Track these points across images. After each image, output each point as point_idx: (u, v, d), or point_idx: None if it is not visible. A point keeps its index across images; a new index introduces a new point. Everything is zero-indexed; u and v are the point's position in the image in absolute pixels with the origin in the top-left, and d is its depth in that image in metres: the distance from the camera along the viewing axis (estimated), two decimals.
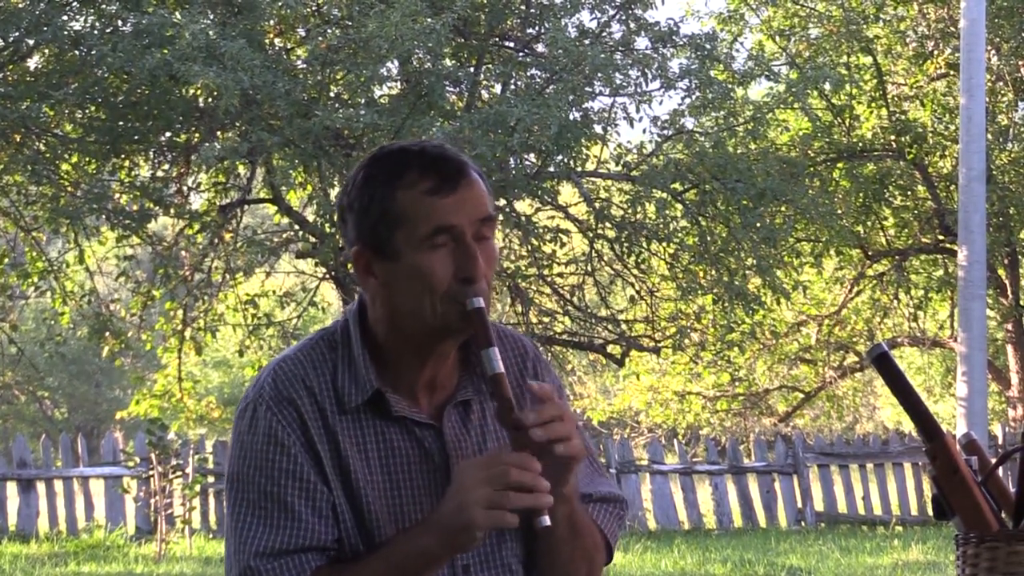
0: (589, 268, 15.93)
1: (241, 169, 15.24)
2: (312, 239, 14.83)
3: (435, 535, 2.15)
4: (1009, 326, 19.16)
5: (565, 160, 14.38)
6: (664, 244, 15.35)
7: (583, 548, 2.33)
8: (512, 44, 15.78)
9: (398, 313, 2.24)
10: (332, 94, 14.24)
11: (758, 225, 14.89)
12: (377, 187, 2.24)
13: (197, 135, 14.39)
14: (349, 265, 14.67)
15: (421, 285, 2.20)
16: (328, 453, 2.22)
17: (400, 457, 2.25)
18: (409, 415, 2.26)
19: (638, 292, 16.27)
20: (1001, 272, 18.85)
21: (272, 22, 14.68)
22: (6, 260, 15.20)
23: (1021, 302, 18.89)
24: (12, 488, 14.74)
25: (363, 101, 13.95)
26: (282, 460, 2.20)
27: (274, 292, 15.69)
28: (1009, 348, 19.34)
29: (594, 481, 2.40)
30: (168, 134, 14.75)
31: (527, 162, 14.61)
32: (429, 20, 13.10)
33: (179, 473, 13.95)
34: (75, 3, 14.31)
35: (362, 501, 2.22)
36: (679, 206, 15.15)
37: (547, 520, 2.13)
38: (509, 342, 2.38)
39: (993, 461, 2.22)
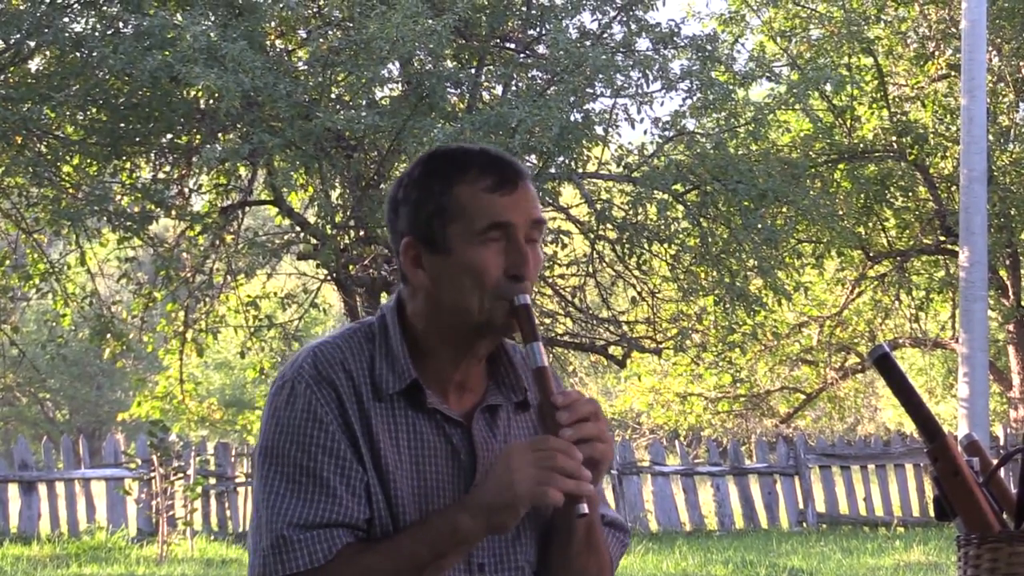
0: (590, 269, 15.94)
1: (242, 171, 15.24)
2: (313, 241, 14.84)
3: (474, 513, 2.18)
4: (1011, 327, 19.16)
5: (566, 161, 14.38)
6: (665, 245, 15.35)
7: (596, 563, 2.36)
8: (513, 45, 15.79)
9: (442, 307, 2.28)
10: (333, 96, 14.25)
11: (759, 226, 14.89)
12: (436, 182, 2.29)
13: (198, 137, 14.40)
14: (351, 267, 14.71)
15: (471, 279, 2.24)
16: (362, 435, 2.25)
17: (429, 449, 2.28)
18: (441, 409, 2.29)
19: (639, 293, 16.27)
20: (1002, 273, 18.85)
21: (273, 24, 14.69)
22: (8, 262, 15.21)
23: (1022, 303, 18.89)
24: (14, 490, 14.74)
25: (364, 103, 13.96)
26: (320, 436, 2.23)
27: (275, 294, 15.69)
28: (1011, 349, 19.33)
29: (600, 506, 2.42)
30: (169, 136, 14.76)
31: (528, 163, 14.60)
32: (430, 22, 13.11)
33: (180, 475, 13.96)
34: (76, 5, 14.32)
35: (390, 485, 2.24)
36: (680, 207, 15.15)
37: (585, 508, 2.17)
38: (520, 354, 2.42)
39: (994, 462, 2.22)
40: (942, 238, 18.54)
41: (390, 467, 2.24)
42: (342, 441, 2.23)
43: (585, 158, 14.83)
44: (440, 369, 2.30)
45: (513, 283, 2.24)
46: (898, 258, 19.03)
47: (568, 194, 16.83)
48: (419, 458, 2.27)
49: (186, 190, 15.48)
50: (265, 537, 2.21)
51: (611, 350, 16.84)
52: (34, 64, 14.92)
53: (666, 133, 15.54)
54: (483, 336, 2.28)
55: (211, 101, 13.81)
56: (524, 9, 15.41)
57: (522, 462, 2.15)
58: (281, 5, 13.78)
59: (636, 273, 16.02)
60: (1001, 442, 17.04)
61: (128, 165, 15.08)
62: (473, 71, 15.15)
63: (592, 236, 15.67)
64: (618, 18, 15.49)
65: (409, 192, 2.30)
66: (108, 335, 14.76)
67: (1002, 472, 2.22)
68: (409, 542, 2.20)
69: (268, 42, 14.70)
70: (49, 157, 14.31)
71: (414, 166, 2.33)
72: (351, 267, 14.77)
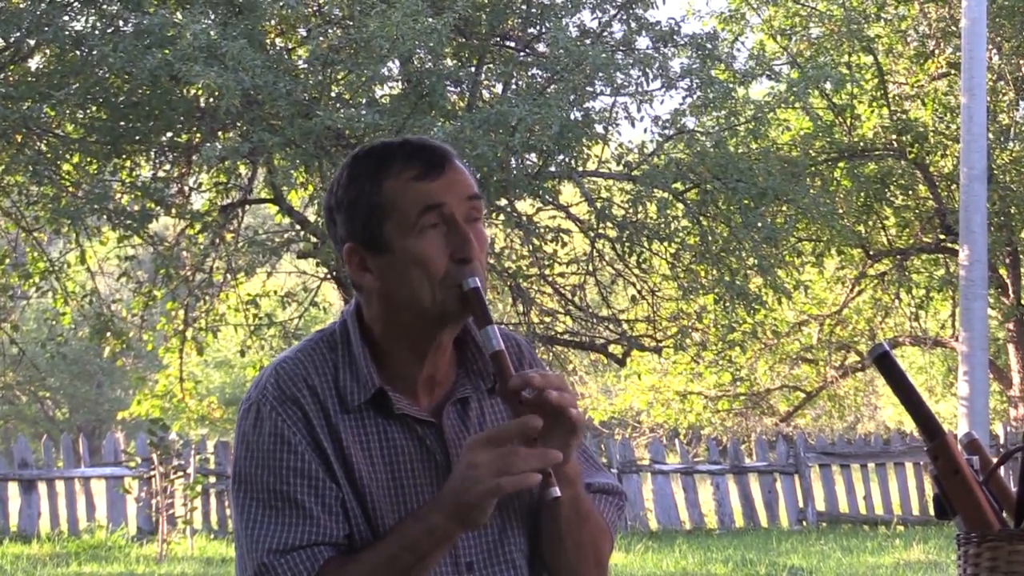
0: (590, 268, 15.93)
1: (242, 169, 15.24)
2: (313, 239, 14.83)
3: (445, 512, 2.15)
4: (1010, 325, 19.16)
5: (566, 160, 14.38)
6: (665, 244, 15.35)
7: (590, 533, 2.33)
8: (513, 44, 15.78)
9: (395, 305, 2.25)
10: (333, 94, 14.24)
11: (759, 225, 14.89)
12: (363, 182, 2.26)
13: (198, 135, 14.39)
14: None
15: (418, 271, 2.21)
16: (333, 451, 2.22)
17: (403, 455, 2.26)
18: (410, 412, 2.26)
19: (639, 292, 16.27)
20: (1002, 271, 18.85)
21: (273, 22, 14.68)
22: (8, 260, 15.21)
23: (1022, 301, 18.89)
24: (14, 488, 14.74)
25: (364, 101, 13.96)
26: (290, 458, 2.21)
27: (275, 292, 15.69)
28: (1011, 347, 19.34)
29: (592, 473, 2.41)
30: (169, 134, 14.75)
31: (528, 162, 14.61)
32: (430, 20, 13.10)
33: (180, 473, 13.96)
34: (76, 3, 14.31)
35: (366, 498, 2.22)
36: (680, 206, 15.15)
37: (557, 491, 2.13)
38: (504, 341, 2.38)
39: (994, 460, 2.22)
40: (942, 236, 18.55)
41: (364, 479, 2.22)
42: (313, 461, 2.21)
43: (585, 156, 14.82)
44: (405, 369, 2.27)
45: (460, 266, 2.21)
46: (898, 256, 19.03)
47: (568, 192, 16.83)
48: (394, 466, 2.25)
49: (186, 188, 15.47)
50: (249, 567, 2.20)
51: (611, 348, 16.83)
52: (34, 62, 14.92)
53: (666, 131, 15.54)
54: (441, 327, 2.25)
55: (211, 99, 13.81)
56: (524, 7, 15.41)
57: (482, 457, 2.12)
58: (281, 3, 13.77)
59: (636, 271, 16.02)
60: (1001, 440, 17.04)
61: (128, 163, 15.08)
62: (473, 69, 15.15)
63: (592, 234, 15.67)
64: (618, 16, 15.49)
65: (340, 198, 2.27)
66: (108, 333, 14.75)
67: (1002, 471, 2.22)
68: (388, 549, 2.17)
69: (268, 40, 14.69)
70: (49, 155, 14.31)
71: (341, 171, 2.30)
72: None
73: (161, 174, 15.00)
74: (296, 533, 2.18)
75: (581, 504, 2.31)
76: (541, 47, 15.50)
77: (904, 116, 18.48)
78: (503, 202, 14.38)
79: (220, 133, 14.27)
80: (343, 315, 2.33)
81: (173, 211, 14.54)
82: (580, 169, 14.92)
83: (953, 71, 17.99)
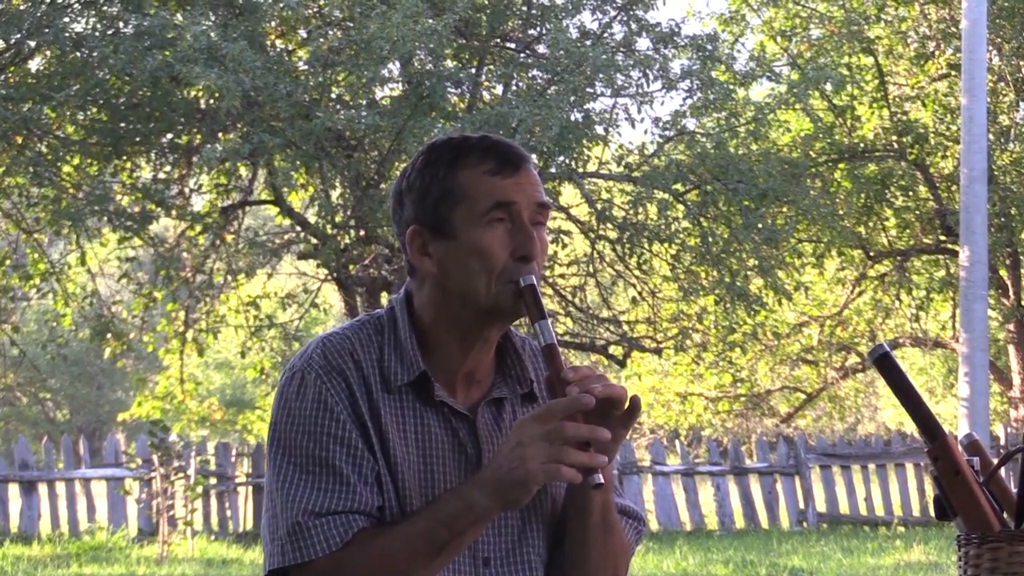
0: (591, 269, 15.94)
1: (242, 170, 15.25)
2: (314, 240, 14.84)
3: (487, 489, 2.17)
4: (1011, 326, 19.15)
5: (567, 161, 14.38)
6: (666, 245, 15.35)
7: (614, 546, 2.35)
8: (513, 45, 15.79)
9: (449, 293, 2.29)
10: (333, 95, 14.25)
11: (760, 226, 14.89)
12: (439, 168, 2.30)
13: (199, 137, 14.40)
14: (351, 267, 14.72)
15: (478, 262, 2.25)
16: (372, 426, 2.25)
17: (436, 442, 2.29)
18: (448, 402, 2.30)
19: (640, 293, 16.27)
20: (1003, 272, 18.85)
21: (273, 24, 14.69)
22: (8, 262, 15.21)
23: (1023, 302, 18.89)
24: (14, 490, 14.74)
25: (364, 102, 13.97)
26: (331, 426, 2.24)
27: (276, 294, 15.69)
28: (1011, 348, 19.33)
29: (613, 496, 2.42)
30: (169, 136, 14.76)
31: None
32: (430, 21, 13.11)
33: (181, 475, 13.96)
34: (76, 5, 14.32)
35: (398, 477, 2.25)
36: (681, 207, 15.15)
37: (600, 478, 2.16)
38: (530, 352, 2.42)
39: (995, 461, 2.22)
40: (942, 237, 18.54)
41: (398, 458, 2.25)
42: (353, 430, 2.24)
43: (585, 158, 14.83)
44: (448, 361, 2.31)
45: (520, 264, 2.25)
46: (898, 258, 19.03)
47: (568, 194, 16.83)
48: (426, 451, 2.27)
49: (186, 190, 15.48)
50: (281, 526, 2.22)
51: (611, 350, 16.83)
52: (34, 64, 14.92)
53: (666, 133, 15.54)
54: (492, 321, 2.28)
55: (211, 101, 13.82)
56: (524, 9, 15.41)
57: (532, 436, 2.15)
58: (281, 5, 13.78)
59: (636, 273, 16.02)
60: (1001, 441, 17.03)
61: (128, 165, 15.09)
62: (473, 71, 15.15)
63: (592, 236, 15.67)
64: (618, 18, 15.50)
65: (413, 181, 2.32)
66: (108, 335, 14.76)
67: (1002, 471, 2.22)
68: (424, 522, 2.19)
69: (268, 42, 14.70)
70: (49, 157, 14.31)
71: (417, 156, 2.35)
72: (351, 267, 14.77)
73: (161, 175, 15.01)
74: (332, 498, 2.21)
75: (610, 512, 2.33)
76: (541, 48, 15.51)
77: (904, 117, 18.48)
78: None
79: (220, 134, 14.27)
80: (391, 302, 2.36)
81: (173, 212, 14.56)
82: (580, 170, 14.92)
83: (953, 72, 17.99)
